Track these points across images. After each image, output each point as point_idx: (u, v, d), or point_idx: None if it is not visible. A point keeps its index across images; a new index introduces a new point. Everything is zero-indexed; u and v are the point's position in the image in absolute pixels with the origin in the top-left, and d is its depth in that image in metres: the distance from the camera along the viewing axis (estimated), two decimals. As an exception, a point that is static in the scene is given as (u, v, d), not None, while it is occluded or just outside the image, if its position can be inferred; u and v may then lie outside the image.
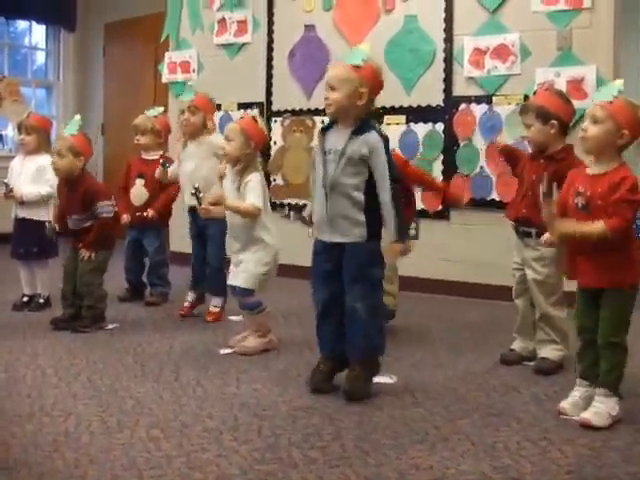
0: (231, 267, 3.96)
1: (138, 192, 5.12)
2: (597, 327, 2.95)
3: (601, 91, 3.03)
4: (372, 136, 3.15)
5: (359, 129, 3.16)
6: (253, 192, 3.80)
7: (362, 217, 3.16)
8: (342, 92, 3.14)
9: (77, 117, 4.49)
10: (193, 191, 4.01)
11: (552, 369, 3.60)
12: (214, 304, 4.64)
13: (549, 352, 3.65)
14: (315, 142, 3.36)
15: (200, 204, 4.06)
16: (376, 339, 3.25)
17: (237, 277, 3.90)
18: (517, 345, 3.81)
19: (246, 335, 3.99)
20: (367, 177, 3.16)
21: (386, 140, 3.20)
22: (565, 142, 3.62)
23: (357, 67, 3.15)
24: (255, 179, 3.83)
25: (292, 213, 3.45)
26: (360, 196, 3.15)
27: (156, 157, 5.18)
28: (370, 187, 3.16)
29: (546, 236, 3.38)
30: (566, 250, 3.07)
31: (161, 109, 5.36)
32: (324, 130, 3.29)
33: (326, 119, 3.50)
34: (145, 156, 5.22)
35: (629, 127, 2.86)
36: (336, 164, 3.16)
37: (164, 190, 5.12)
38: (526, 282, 3.71)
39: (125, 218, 5.03)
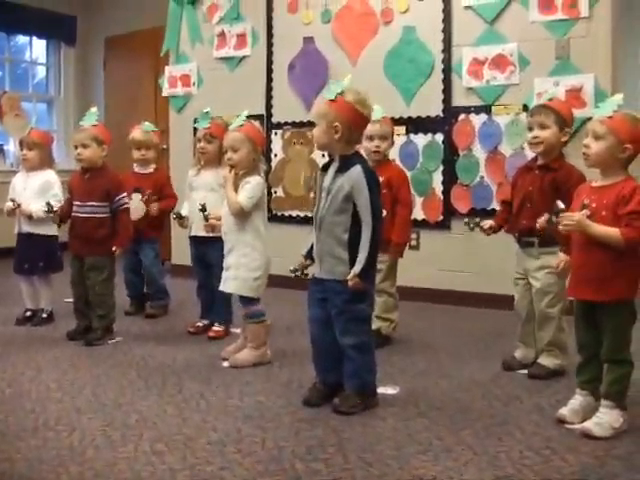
0: (223, 272, 3.96)
1: (135, 207, 5.02)
2: (597, 342, 2.95)
3: (601, 106, 3.04)
4: (355, 171, 3.13)
5: (343, 166, 3.17)
6: (246, 192, 3.81)
7: (345, 255, 3.16)
8: (319, 128, 3.19)
9: (94, 109, 4.57)
10: (200, 207, 4.10)
11: (546, 376, 3.62)
12: (218, 325, 4.60)
13: (546, 359, 3.68)
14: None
15: (207, 220, 4.12)
16: (366, 376, 3.24)
17: (227, 283, 3.91)
18: (519, 353, 3.83)
19: (239, 346, 4.00)
20: (352, 214, 3.15)
21: (371, 174, 3.18)
22: (560, 151, 3.67)
23: (332, 101, 3.17)
24: (254, 181, 3.84)
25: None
26: (344, 234, 3.16)
27: (152, 170, 5.21)
28: (355, 224, 3.15)
29: (541, 219, 3.40)
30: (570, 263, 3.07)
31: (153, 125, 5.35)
32: (324, 168, 3.30)
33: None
34: (141, 170, 5.21)
35: (631, 141, 2.87)
36: (325, 202, 3.19)
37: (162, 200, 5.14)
38: (528, 291, 3.73)
39: None
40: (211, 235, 4.32)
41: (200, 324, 4.69)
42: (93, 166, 4.38)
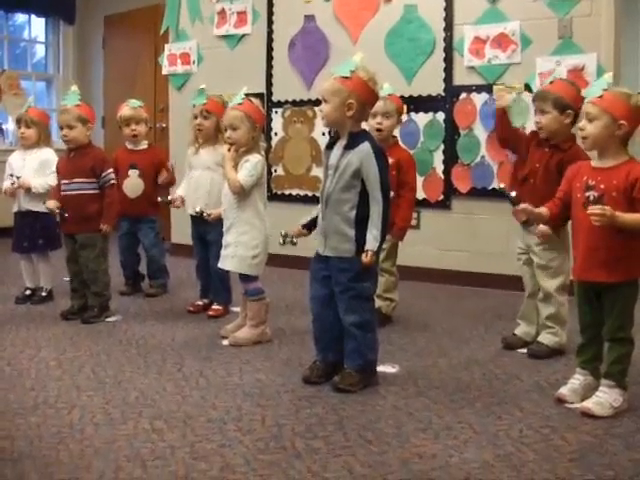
0: (222, 250, 3.96)
1: (134, 183, 5.01)
2: (599, 323, 2.94)
3: (592, 87, 3.02)
4: (364, 147, 3.13)
5: (352, 143, 3.16)
6: (246, 170, 3.80)
7: (352, 232, 3.15)
8: (331, 105, 3.16)
9: (74, 87, 4.54)
10: (198, 214, 4.32)
11: (546, 354, 3.63)
12: (217, 304, 4.62)
13: (545, 337, 3.69)
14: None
15: (209, 220, 4.29)
16: (368, 354, 3.24)
17: (226, 261, 3.91)
18: (520, 330, 3.83)
19: (239, 324, 4.00)
20: (360, 191, 3.15)
21: (380, 151, 3.18)
22: (571, 132, 3.63)
23: (345, 78, 3.14)
24: (253, 159, 3.83)
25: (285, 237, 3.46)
26: (351, 212, 3.15)
27: (145, 147, 5.18)
28: (363, 202, 3.15)
29: (541, 228, 3.40)
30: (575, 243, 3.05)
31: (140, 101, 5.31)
32: (329, 146, 3.29)
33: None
34: (134, 147, 5.16)
35: (625, 117, 2.84)
36: (332, 179, 3.18)
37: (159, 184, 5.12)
38: (530, 266, 3.73)
39: None
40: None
41: (200, 303, 4.68)
42: (79, 145, 4.36)
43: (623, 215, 2.77)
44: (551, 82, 3.67)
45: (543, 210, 3.08)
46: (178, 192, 4.69)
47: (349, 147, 3.15)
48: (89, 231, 4.34)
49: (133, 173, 5.03)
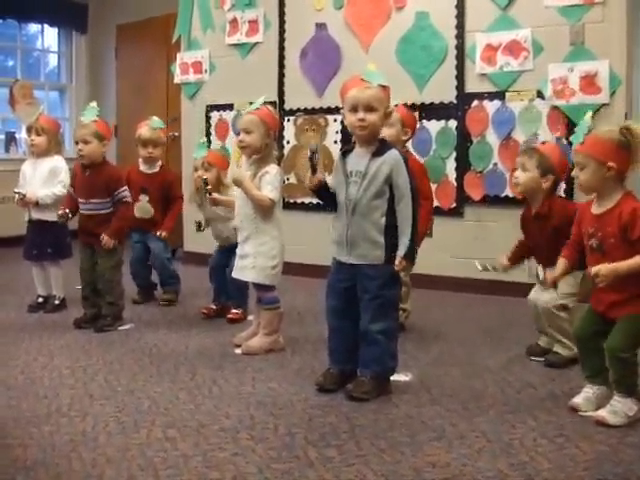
0: (236, 260, 3.95)
1: (143, 208, 5.05)
2: (595, 337, 2.93)
3: (575, 134, 3.02)
4: (393, 154, 3.14)
5: (380, 150, 3.16)
6: (270, 185, 3.80)
7: (382, 239, 3.15)
8: (379, 113, 3.14)
9: (93, 104, 4.53)
10: (202, 182, 4.25)
11: (563, 363, 3.59)
12: (236, 309, 4.62)
13: (559, 348, 3.66)
14: (336, 164, 3.34)
15: (210, 194, 4.20)
16: (390, 362, 3.25)
17: (245, 271, 3.90)
18: (543, 341, 3.82)
19: (252, 332, 4.00)
20: (389, 198, 3.15)
21: (406, 159, 3.19)
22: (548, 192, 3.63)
23: (384, 87, 3.16)
24: (273, 171, 3.83)
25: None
26: (381, 218, 3.15)
27: (157, 170, 5.19)
28: (391, 209, 3.15)
29: (548, 274, 3.38)
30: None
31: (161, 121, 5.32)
32: (345, 153, 3.28)
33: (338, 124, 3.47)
34: (146, 170, 5.17)
35: (611, 158, 2.81)
36: (359, 186, 3.16)
37: (169, 205, 5.15)
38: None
39: None
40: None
41: (213, 306, 4.72)
42: (93, 162, 4.36)
43: (622, 265, 2.75)
44: (543, 142, 3.66)
45: (561, 263, 3.11)
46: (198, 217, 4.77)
47: (377, 154, 3.14)
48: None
49: (143, 198, 5.07)
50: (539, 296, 3.69)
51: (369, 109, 3.13)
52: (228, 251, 4.55)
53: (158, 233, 5.04)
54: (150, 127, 5.13)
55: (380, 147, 3.17)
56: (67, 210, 4.41)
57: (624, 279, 2.78)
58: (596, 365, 2.95)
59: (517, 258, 3.79)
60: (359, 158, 3.20)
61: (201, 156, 4.62)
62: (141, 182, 5.09)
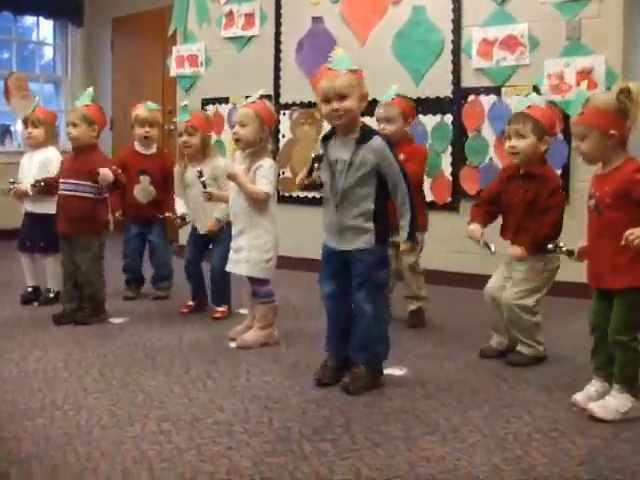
0: (230, 253, 3.95)
1: (145, 190, 4.99)
2: (607, 324, 2.91)
3: (571, 105, 3.01)
4: (377, 142, 3.14)
5: (363, 137, 3.15)
6: (265, 178, 3.80)
7: (371, 225, 3.16)
8: (353, 99, 3.13)
9: (90, 89, 4.53)
10: (197, 174, 4.14)
11: (527, 363, 3.56)
12: (220, 308, 4.59)
13: (523, 347, 3.62)
14: (318, 148, 3.33)
15: (204, 187, 4.14)
16: (379, 347, 3.26)
17: (239, 265, 3.90)
18: (494, 341, 3.77)
19: (247, 326, 4.00)
20: (377, 185, 3.15)
21: (389, 142, 3.20)
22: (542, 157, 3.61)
23: (354, 71, 3.16)
24: (267, 164, 3.83)
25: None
26: (370, 205, 3.16)
27: (154, 151, 5.13)
28: (378, 195, 3.16)
29: (515, 250, 3.45)
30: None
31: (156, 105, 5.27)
32: (325, 139, 3.27)
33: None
34: (144, 151, 5.10)
35: (613, 125, 2.80)
36: (345, 175, 3.15)
37: (168, 189, 5.09)
38: (507, 278, 3.66)
39: (118, 215, 5.05)
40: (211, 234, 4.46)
41: (191, 303, 4.71)
42: (82, 145, 4.34)
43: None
44: (528, 106, 3.60)
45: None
46: (179, 211, 4.67)
47: (361, 141, 3.13)
48: (83, 232, 4.32)
49: (144, 179, 5.00)
50: (498, 292, 3.64)
51: (341, 97, 3.11)
52: (201, 245, 4.58)
53: (167, 214, 4.86)
54: (146, 108, 5.09)
55: (363, 134, 3.15)
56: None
57: (617, 242, 2.72)
58: (605, 356, 2.95)
59: (486, 223, 3.72)
60: (342, 146, 3.18)
61: (185, 120, 4.55)
62: (139, 164, 5.01)
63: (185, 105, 4.70)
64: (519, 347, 3.64)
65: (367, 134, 3.16)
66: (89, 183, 4.30)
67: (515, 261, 3.60)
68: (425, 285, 4.46)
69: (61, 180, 4.39)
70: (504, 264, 3.71)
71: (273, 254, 3.88)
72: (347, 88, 3.11)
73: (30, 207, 4.82)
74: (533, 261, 3.53)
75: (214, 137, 6.56)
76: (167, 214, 4.86)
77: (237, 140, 3.86)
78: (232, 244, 3.94)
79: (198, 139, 4.51)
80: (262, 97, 3.93)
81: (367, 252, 3.17)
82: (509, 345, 3.69)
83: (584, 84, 3.01)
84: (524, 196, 3.55)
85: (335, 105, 3.12)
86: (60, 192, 4.39)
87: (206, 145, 4.56)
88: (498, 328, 3.74)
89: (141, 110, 5.08)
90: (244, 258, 3.86)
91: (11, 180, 4.79)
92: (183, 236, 6.70)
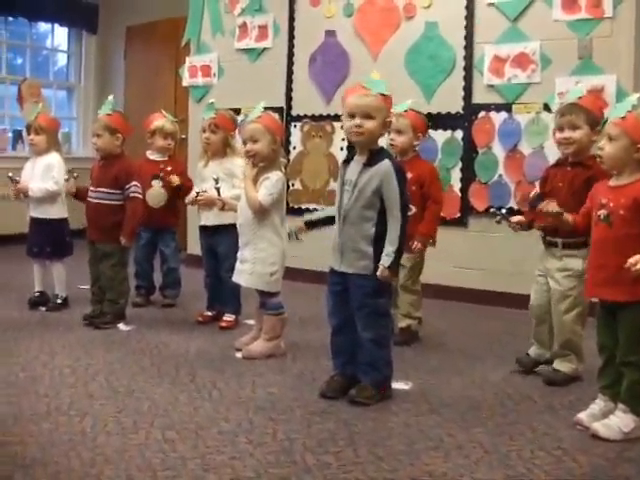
0: (237, 263, 3.96)
1: (156, 194, 5.00)
2: (616, 344, 2.90)
3: (616, 108, 2.99)
4: (384, 165, 3.14)
5: (372, 160, 3.15)
6: (266, 189, 3.80)
7: (370, 249, 3.16)
8: (378, 121, 3.14)
9: (110, 97, 4.60)
10: (214, 182, 4.26)
11: (563, 382, 3.54)
12: (228, 315, 4.61)
13: (561, 365, 3.59)
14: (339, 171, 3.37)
15: (219, 194, 4.22)
16: (384, 370, 3.27)
17: (243, 276, 3.92)
18: (533, 351, 3.76)
19: (253, 337, 4.01)
20: (379, 209, 3.15)
21: (400, 169, 3.19)
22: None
23: (385, 96, 3.17)
24: (274, 177, 3.82)
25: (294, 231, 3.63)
26: (370, 228, 3.16)
27: (166, 158, 5.15)
28: (381, 220, 3.16)
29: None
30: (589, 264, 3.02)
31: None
32: (346, 162, 3.29)
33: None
34: (156, 157, 5.13)
35: None
36: (350, 195, 3.17)
37: (180, 193, 5.10)
38: (546, 291, 3.62)
39: None
40: (220, 224, 4.46)
41: (209, 313, 4.71)
42: (108, 154, 4.44)
43: None
44: (580, 97, 3.59)
45: (569, 217, 3.13)
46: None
47: (369, 164, 3.15)
48: (108, 241, 4.41)
49: (156, 184, 5.01)
50: (547, 304, 3.62)
51: (366, 116, 3.13)
52: (217, 256, 4.59)
53: (186, 199, 4.77)
54: (170, 120, 5.15)
55: (372, 157, 3.16)
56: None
57: (621, 254, 2.73)
58: (613, 376, 2.93)
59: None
60: (355, 167, 3.21)
61: (210, 117, 4.59)
62: (152, 169, 5.04)
63: (212, 102, 4.74)
64: (556, 364, 3.60)
65: (377, 157, 3.16)
66: (115, 191, 4.39)
67: (554, 267, 3.57)
68: (429, 300, 4.44)
69: (90, 188, 4.48)
70: (536, 279, 3.69)
71: (278, 267, 3.88)
72: (374, 109, 3.13)
73: (34, 213, 4.87)
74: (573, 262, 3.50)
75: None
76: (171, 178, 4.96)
77: (252, 156, 3.84)
78: (238, 254, 3.96)
79: (219, 137, 4.55)
80: (265, 109, 3.93)
81: (365, 279, 3.16)
82: (547, 359, 3.69)
83: (635, 96, 2.97)
84: (571, 181, 3.51)
85: (358, 121, 3.13)
86: (88, 199, 4.48)
87: (227, 144, 4.58)
88: (540, 340, 3.71)
89: (167, 123, 5.13)
90: (248, 270, 3.88)
91: (10, 174, 4.81)
92: (192, 246, 6.74)
